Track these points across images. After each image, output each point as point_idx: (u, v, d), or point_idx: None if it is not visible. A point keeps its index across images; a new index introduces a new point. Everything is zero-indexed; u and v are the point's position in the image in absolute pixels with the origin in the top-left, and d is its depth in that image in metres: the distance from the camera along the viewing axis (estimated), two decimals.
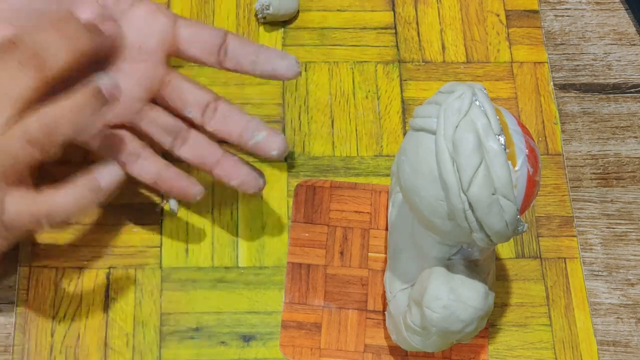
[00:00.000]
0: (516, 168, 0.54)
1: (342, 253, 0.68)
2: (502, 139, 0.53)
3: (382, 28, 0.77)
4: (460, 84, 0.55)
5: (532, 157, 0.55)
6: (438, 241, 0.59)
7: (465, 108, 0.54)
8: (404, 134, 0.73)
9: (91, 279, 0.67)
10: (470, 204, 0.53)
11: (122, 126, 0.64)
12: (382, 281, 0.66)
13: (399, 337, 0.63)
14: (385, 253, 0.67)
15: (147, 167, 0.64)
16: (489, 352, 0.66)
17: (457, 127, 0.53)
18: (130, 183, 0.69)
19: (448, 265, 0.59)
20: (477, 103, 0.54)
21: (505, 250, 0.69)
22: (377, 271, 0.68)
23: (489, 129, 0.53)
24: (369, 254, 0.68)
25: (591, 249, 0.70)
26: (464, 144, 0.53)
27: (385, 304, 0.66)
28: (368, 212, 0.70)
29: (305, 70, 0.75)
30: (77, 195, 0.58)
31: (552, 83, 0.75)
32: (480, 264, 0.60)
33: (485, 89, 0.55)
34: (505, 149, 0.53)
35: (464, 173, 0.53)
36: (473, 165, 0.53)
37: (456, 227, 0.55)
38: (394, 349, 0.65)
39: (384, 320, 0.66)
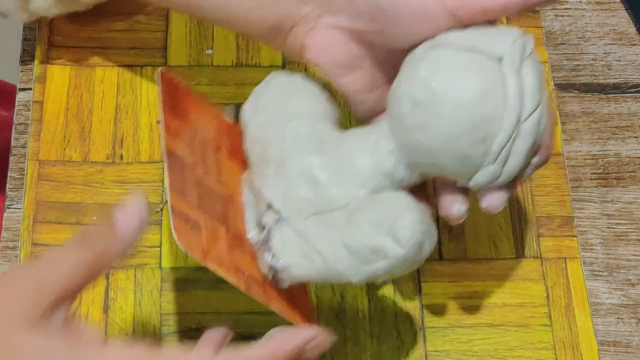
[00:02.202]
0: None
1: None
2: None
3: None
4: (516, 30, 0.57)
5: None
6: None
7: (529, 49, 0.56)
8: None
9: None
10: (518, 135, 0.54)
11: None
12: None
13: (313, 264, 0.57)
14: None
15: None
16: (489, 352, 0.66)
17: (524, 61, 0.55)
18: (130, 183, 0.69)
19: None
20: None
21: (506, 250, 0.69)
22: None
23: (543, 75, 0.56)
24: None
25: (591, 249, 0.70)
26: (534, 78, 0.55)
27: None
28: None
29: (305, 71, 0.75)
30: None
31: (552, 83, 0.75)
32: None
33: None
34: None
35: (528, 104, 0.54)
36: (535, 102, 0.54)
37: (465, 158, 0.55)
38: None
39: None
